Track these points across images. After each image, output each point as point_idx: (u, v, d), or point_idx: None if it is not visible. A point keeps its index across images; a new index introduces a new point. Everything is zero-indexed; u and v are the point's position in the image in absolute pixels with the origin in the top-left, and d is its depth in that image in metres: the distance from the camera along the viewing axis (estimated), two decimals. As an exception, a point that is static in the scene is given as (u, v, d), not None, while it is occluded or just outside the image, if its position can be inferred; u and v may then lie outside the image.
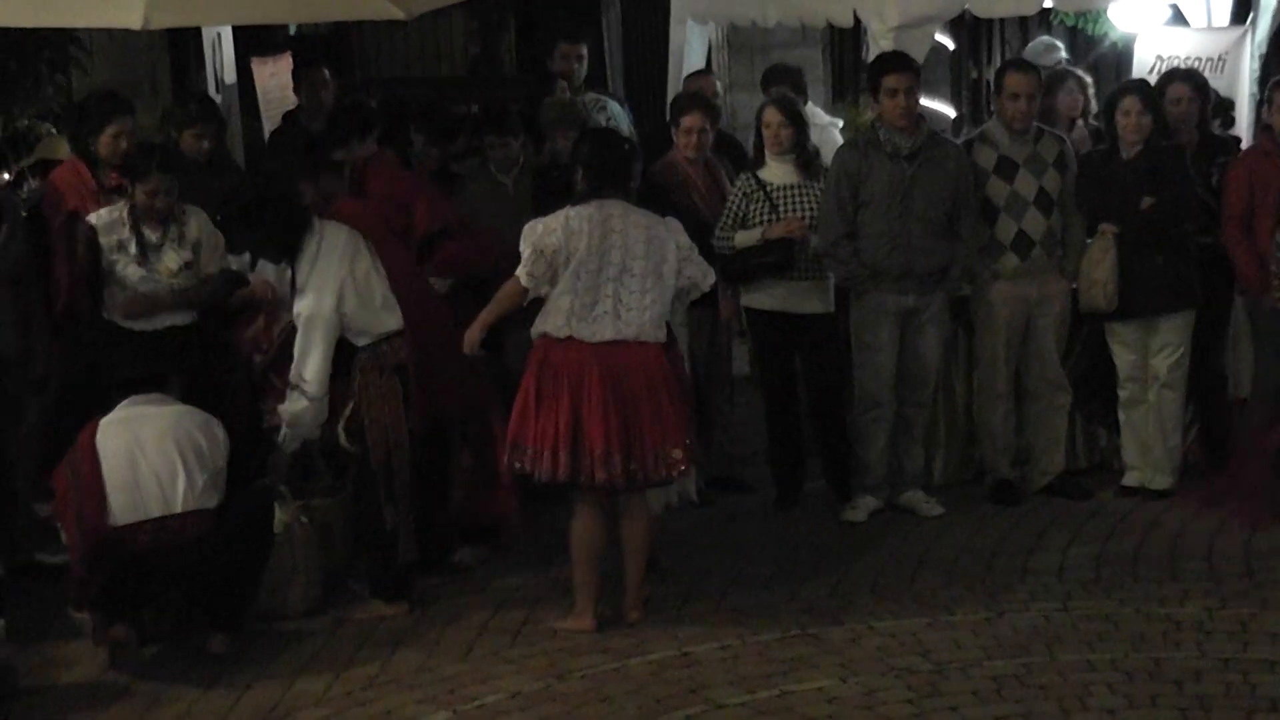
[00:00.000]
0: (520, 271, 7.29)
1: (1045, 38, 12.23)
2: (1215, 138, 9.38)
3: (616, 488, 7.32)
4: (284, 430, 7.62)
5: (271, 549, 7.41)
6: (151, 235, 8.05)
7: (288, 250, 7.58)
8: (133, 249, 8.03)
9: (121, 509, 7.05)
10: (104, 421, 7.21)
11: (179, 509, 7.07)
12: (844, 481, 9.02)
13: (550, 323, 7.25)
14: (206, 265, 8.17)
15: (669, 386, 7.40)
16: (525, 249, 7.29)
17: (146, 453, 7.09)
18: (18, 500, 8.10)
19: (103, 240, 8.03)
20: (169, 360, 7.85)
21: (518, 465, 7.31)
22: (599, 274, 7.24)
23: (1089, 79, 10.30)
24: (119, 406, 7.28)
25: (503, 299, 7.47)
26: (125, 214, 8.06)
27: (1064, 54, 11.49)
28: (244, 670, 7.10)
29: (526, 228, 7.38)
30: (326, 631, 7.57)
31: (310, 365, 7.47)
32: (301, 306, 7.52)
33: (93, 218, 8.06)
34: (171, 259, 8.05)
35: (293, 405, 7.51)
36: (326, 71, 10.43)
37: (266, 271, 8.13)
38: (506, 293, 7.43)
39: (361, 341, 7.57)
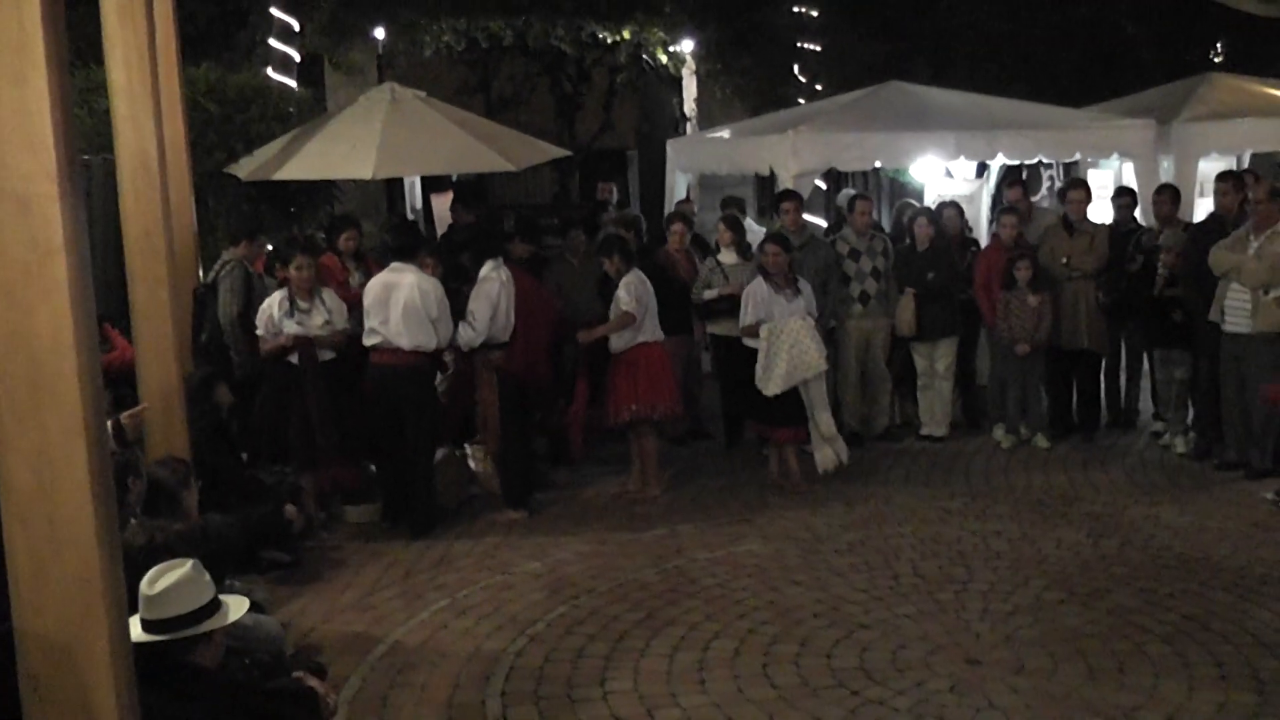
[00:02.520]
0: (633, 308, 7.54)
1: (848, 189, 11.98)
2: (967, 239, 9.41)
3: (681, 418, 8.23)
4: (461, 339, 7.32)
5: (431, 481, 7.29)
6: (302, 303, 7.31)
7: (484, 259, 7.42)
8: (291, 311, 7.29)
9: (376, 336, 7.13)
10: (379, 277, 7.25)
11: (406, 348, 7.08)
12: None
13: (646, 335, 7.62)
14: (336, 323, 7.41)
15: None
16: (629, 299, 7.55)
17: (393, 306, 7.08)
18: (312, 430, 7.22)
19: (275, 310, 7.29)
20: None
21: (649, 412, 7.59)
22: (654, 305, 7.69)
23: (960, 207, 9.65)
24: (389, 267, 7.24)
25: (616, 322, 7.61)
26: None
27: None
28: (423, 538, 7.16)
29: (624, 283, 7.60)
30: (470, 517, 7.55)
31: (480, 314, 7.25)
32: (482, 288, 7.29)
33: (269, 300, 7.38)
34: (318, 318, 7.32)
35: (465, 333, 7.28)
36: (460, 205, 10.39)
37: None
38: (619, 321, 7.57)
39: (479, 341, 7.31)
